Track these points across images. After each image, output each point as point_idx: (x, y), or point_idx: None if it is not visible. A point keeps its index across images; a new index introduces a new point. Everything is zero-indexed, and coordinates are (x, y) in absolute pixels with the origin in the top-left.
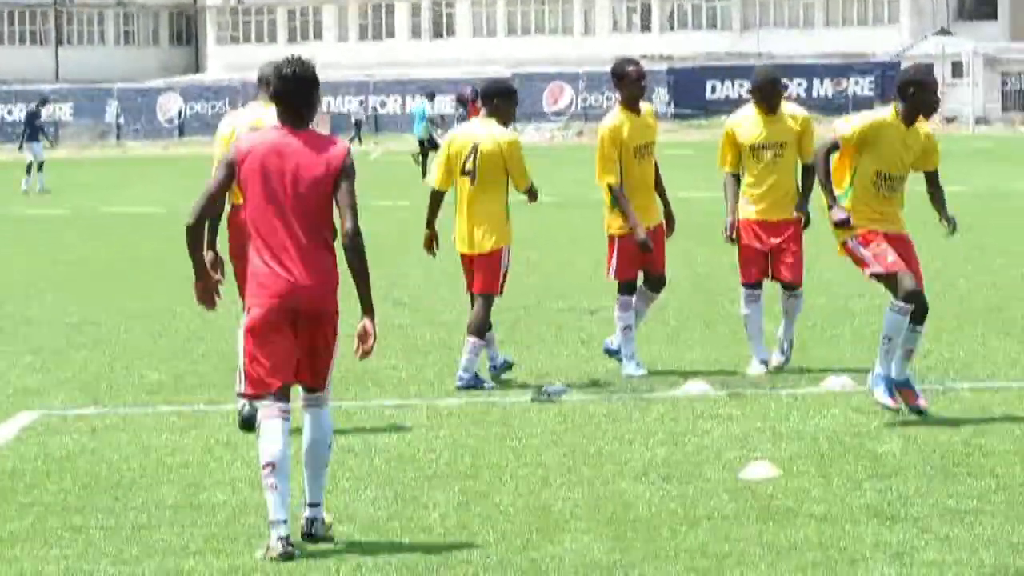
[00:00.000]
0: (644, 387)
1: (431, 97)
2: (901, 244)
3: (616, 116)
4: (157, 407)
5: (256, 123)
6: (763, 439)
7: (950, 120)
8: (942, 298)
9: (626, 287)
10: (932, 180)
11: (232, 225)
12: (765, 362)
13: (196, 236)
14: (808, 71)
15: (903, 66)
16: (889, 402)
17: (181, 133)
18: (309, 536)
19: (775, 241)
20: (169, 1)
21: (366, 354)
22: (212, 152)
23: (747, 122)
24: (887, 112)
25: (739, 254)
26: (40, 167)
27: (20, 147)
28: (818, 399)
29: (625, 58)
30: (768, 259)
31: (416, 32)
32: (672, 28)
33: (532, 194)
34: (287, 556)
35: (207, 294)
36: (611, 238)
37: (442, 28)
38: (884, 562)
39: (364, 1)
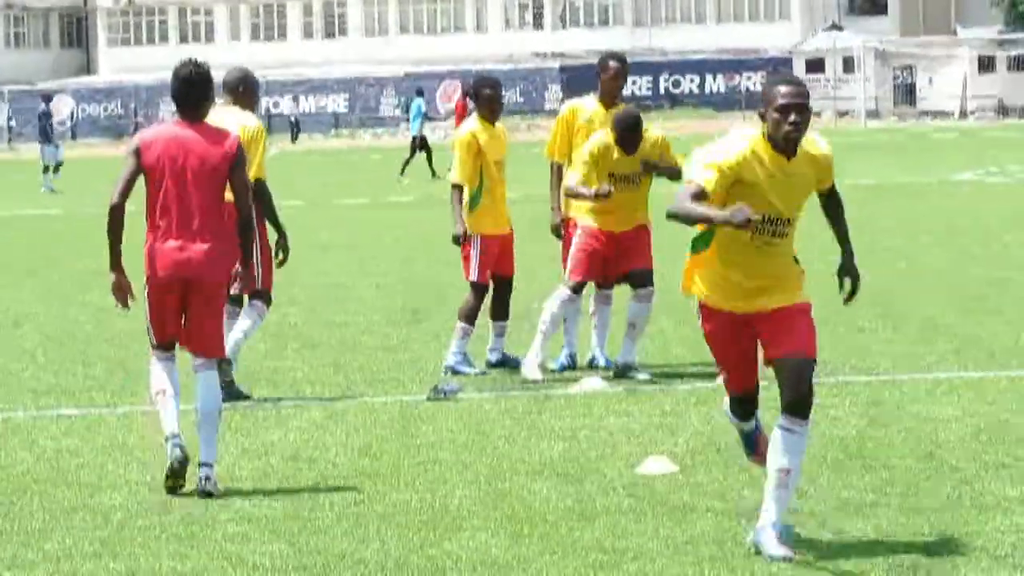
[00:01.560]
0: (540, 384)
1: (420, 93)
2: (782, 319)
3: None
4: (51, 410)
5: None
6: (660, 434)
7: (842, 114)
8: (836, 292)
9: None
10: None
11: None
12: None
13: (118, 217)
14: (700, 67)
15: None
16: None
17: (73, 136)
18: (203, 493)
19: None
20: (59, 3)
21: (245, 286)
22: (116, 152)
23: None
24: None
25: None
26: (53, 168)
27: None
28: (715, 394)
29: (609, 52)
30: (605, 263)
31: (308, 32)
32: (564, 26)
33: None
34: (182, 462)
35: (121, 291)
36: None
37: (334, 28)
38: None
39: (256, 1)
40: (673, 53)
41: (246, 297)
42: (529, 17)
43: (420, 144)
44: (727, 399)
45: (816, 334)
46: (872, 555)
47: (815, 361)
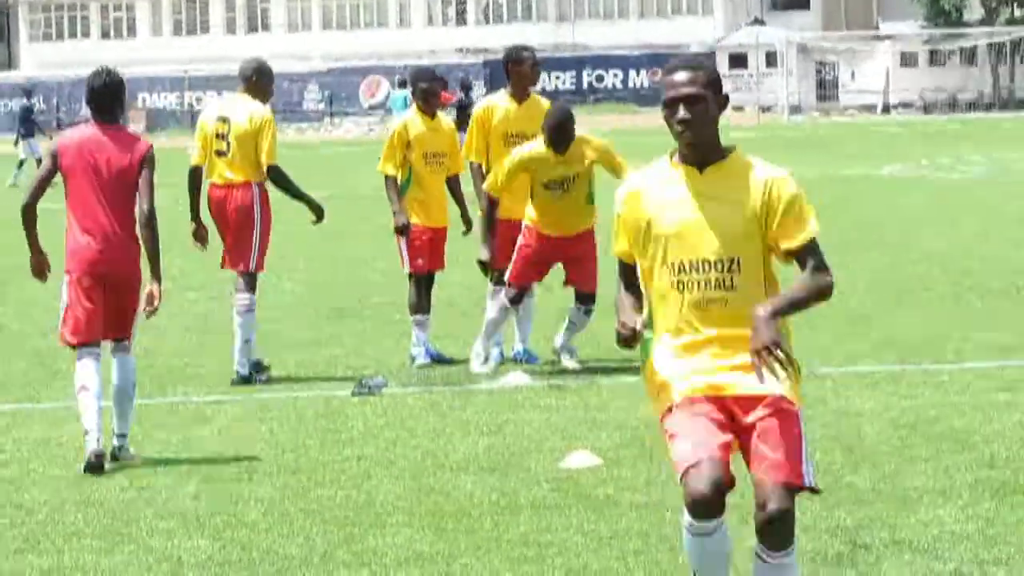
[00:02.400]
0: (464, 379)
1: (404, 84)
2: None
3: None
4: None
5: (221, 112)
6: (584, 429)
7: (765, 109)
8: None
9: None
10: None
11: (211, 199)
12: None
13: (30, 215)
14: (623, 62)
15: (717, 57)
16: None
17: None
18: (115, 459)
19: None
20: None
21: (152, 312)
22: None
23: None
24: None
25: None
26: (21, 164)
27: (16, 143)
28: (638, 388)
29: (519, 45)
30: (546, 265)
31: (231, 27)
32: (488, 21)
33: None
34: (99, 455)
35: (39, 269)
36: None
37: (257, 23)
38: None
39: None
40: (596, 48)
41: (237, 282)
42: (452, 12)
43: None
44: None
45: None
46: (795, 548)
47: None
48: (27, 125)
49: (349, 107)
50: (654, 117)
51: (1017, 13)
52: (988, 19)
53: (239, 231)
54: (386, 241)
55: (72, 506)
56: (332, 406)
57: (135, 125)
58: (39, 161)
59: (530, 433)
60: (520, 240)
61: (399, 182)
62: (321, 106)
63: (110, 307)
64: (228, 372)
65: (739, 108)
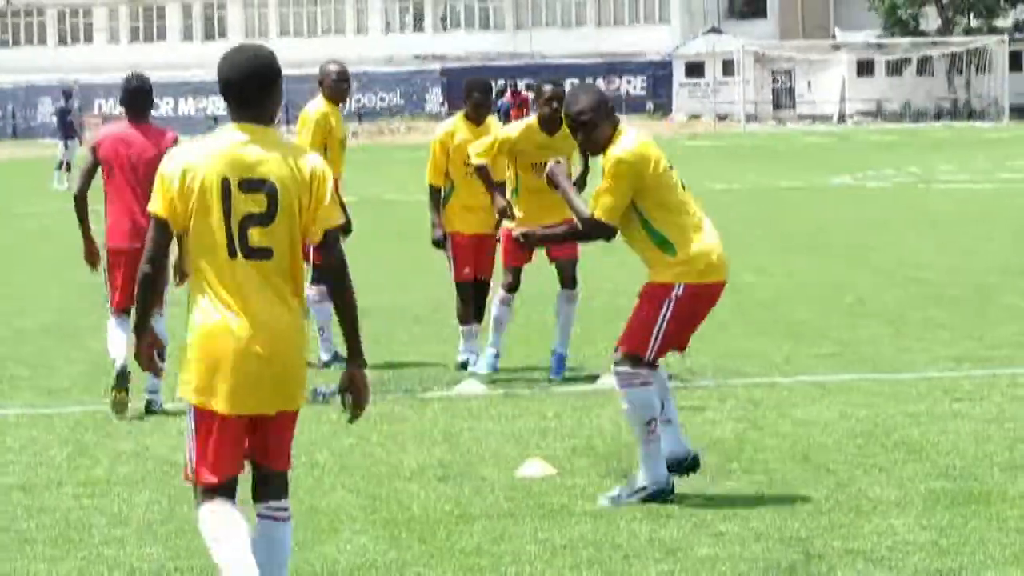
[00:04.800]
0: (419, 386)
1: (500, 93)
2: None
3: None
4: None
5: (321, 111)
6: (538, 437)
7: (722, 118)
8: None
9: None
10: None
11: None
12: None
13: (81, 204)
14: (580, 71)
15: (674, 65)
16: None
17: None
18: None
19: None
20: None
21: (181, 284)
22: None
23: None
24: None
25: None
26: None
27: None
28: (593, 397)
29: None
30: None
31: (188, 34)
32: (445, 28)
33: None
34: (125, 368)
35: (92, 256)
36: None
37: (214, 30)
38: (658, 558)
39: (135, 3)
40: (553, 56)
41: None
42: (410, 19)
43: None
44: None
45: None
46: (749, 557)
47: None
48: (65, 126)
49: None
50: None
51: (974, 23)
52: (945, 29)
53: None
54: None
55: (23, 513)
56: None
57: (91, 132)
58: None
59: (484, 442)
60: (499, 244)
61: (445, 190)
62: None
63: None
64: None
65: (696, 116)
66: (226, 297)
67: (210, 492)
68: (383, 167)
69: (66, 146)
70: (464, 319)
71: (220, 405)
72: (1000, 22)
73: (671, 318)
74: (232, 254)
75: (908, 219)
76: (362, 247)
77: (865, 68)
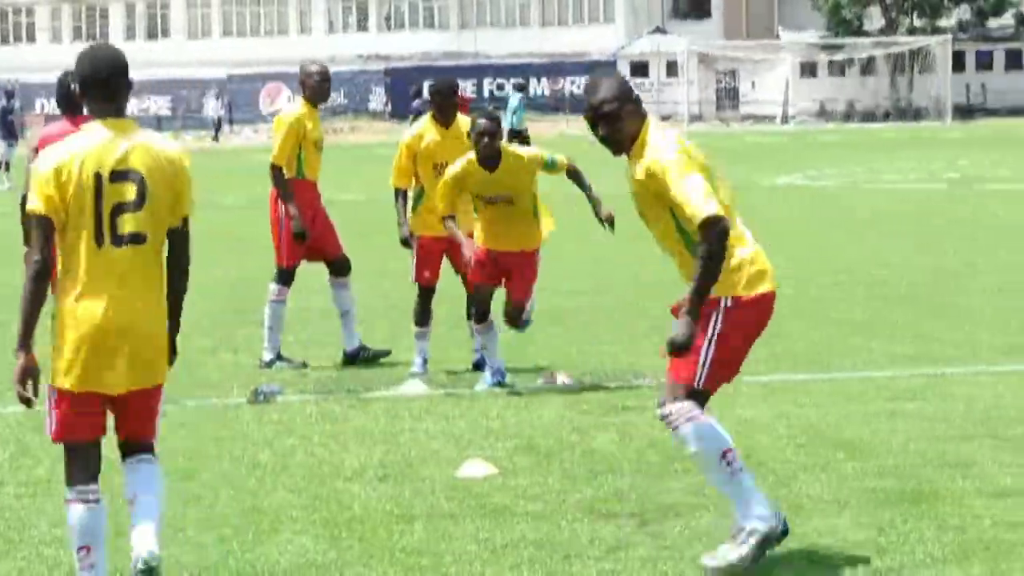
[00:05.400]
0: (360, 387)
1: (521, 88)
2: None
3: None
4: None
5: (295, 115)
6: (480, 437)
7: (665, 118)
8: (660, 297)
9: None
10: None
11: (296, 193)
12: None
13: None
14: (524, 70)
15: (619, 65)
16: None
17: None
18: None
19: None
20: None
21: None
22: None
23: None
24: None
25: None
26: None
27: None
28: (535, 397)
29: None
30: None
31: (131, 34)
32: (389, 28)
33: None
34: None
35: None
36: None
37: (157, 30)
38: (599, 557)
39: (78, 2)
40: (498, 56)
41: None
42: (353, 19)
43: (520, 138)
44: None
45: None
46: (691, 556)
47: None
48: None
49: (249, 115)
50: (554, 125)
51: (917, 23)
52: (888, 29)
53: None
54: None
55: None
56: (227, 413)
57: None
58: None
59: (426, 442)
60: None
61: (414, 193)
62: (221, 113)
63: None
64: None
65: None
66: (94, 283)
67: (73, 455)
68: (326, 167)
69: (10, 145)
70: (419, 321)
71: (78, 382)
72: (943, 22)
73: (720, 337)
74: (101, 242)
75: (852, 218)
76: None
77: (809, 68)
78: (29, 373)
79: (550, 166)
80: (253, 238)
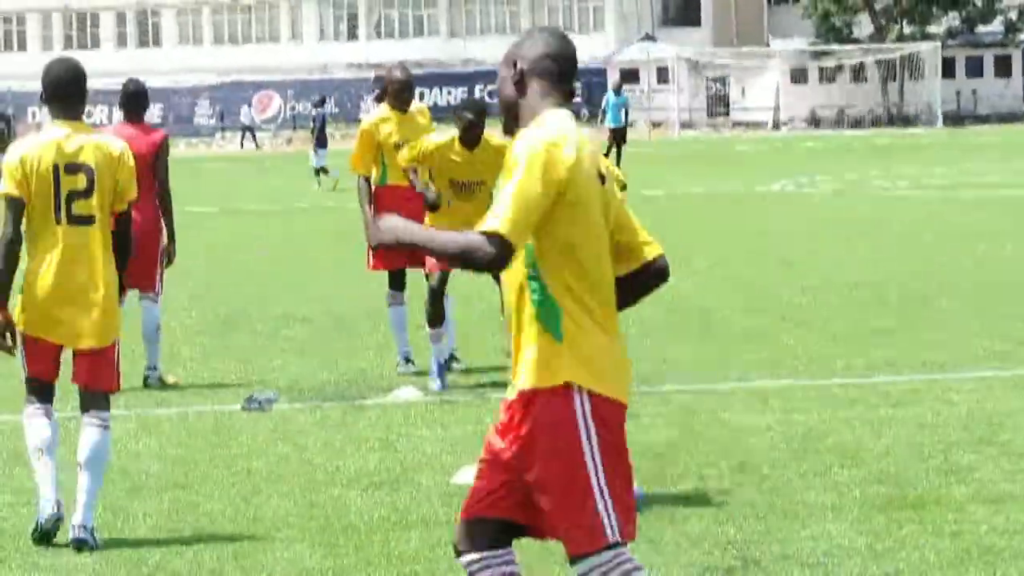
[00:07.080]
0: (355, 394)
1: (617, 91)
2: None
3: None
4: None
5: (369, 123)
6: (475, 444)
7: (656, 125)
8: (653, 302)
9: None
10: None
11: (378, 199)
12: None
13: None
14: None
15: (609, 72)
16: None
17: None
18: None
19: None
20: None
21: (169, 264)
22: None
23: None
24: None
25: None
26: None
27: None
28: None
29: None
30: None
31: (122, 41)
32: (379, 36)
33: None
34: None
35: None
36: None
37: (148, 37)
38: None
39: (69, 10)
40: (487, 63)
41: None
42: (344, 27)
43: (619, 137)
44: None
45: None
46: (685, 563)
47: None
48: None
49: (240, 122)
50: None
51: (907, 30)
52: (878, 36)
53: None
54: (279, 255)
55: None
56: (221, 421)
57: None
58: None
59: (421, 449)
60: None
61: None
62: (212, 121)
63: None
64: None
65: (631, 124)
66: (51, 254)
67: (32, 384)
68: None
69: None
70: (431, 321)
71: (33, 329)
72: (933, 28)
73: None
74: (58, 221)
75: (843, 225)
76: (297, 253)
77: (799, 75)
78: (6, 326)
79: None
80: (239, 246)
